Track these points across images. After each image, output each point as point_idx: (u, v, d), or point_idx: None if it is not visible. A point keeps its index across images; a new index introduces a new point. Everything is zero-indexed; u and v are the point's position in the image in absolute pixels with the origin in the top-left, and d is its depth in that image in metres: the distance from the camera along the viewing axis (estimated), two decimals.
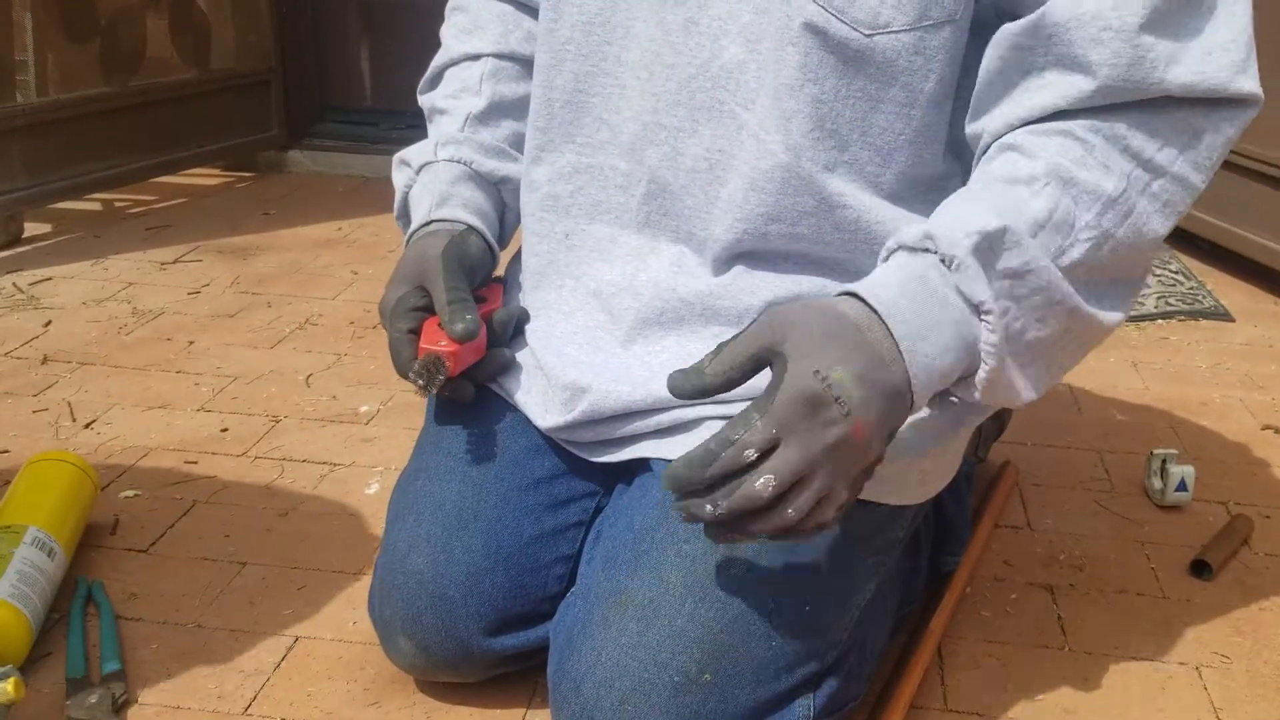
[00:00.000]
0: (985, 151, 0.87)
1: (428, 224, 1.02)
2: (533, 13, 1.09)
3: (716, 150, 0.91)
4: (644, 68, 0.93)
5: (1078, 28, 0.81)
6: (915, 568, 1.09)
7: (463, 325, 0.92)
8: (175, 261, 2.16)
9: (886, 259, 0.82)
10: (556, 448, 1.00)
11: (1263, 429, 1.55)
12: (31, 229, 2.27)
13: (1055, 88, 0.83)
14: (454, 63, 1.11)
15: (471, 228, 1.02)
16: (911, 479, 0.92)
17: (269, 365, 1.70)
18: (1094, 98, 0.82)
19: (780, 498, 0.75)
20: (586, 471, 0.99)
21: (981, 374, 0.81)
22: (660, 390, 0.91)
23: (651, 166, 0.94)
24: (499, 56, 1.09)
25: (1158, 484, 1.34)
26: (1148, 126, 0.82)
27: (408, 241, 1.03)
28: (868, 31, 0.85)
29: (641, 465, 0.95)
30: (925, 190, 0.92)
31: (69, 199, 2.38)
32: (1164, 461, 1.34)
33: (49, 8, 2.23)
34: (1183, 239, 2.28)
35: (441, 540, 0.95)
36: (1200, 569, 1.20)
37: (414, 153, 1.07)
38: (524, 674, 1.00)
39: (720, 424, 0.88)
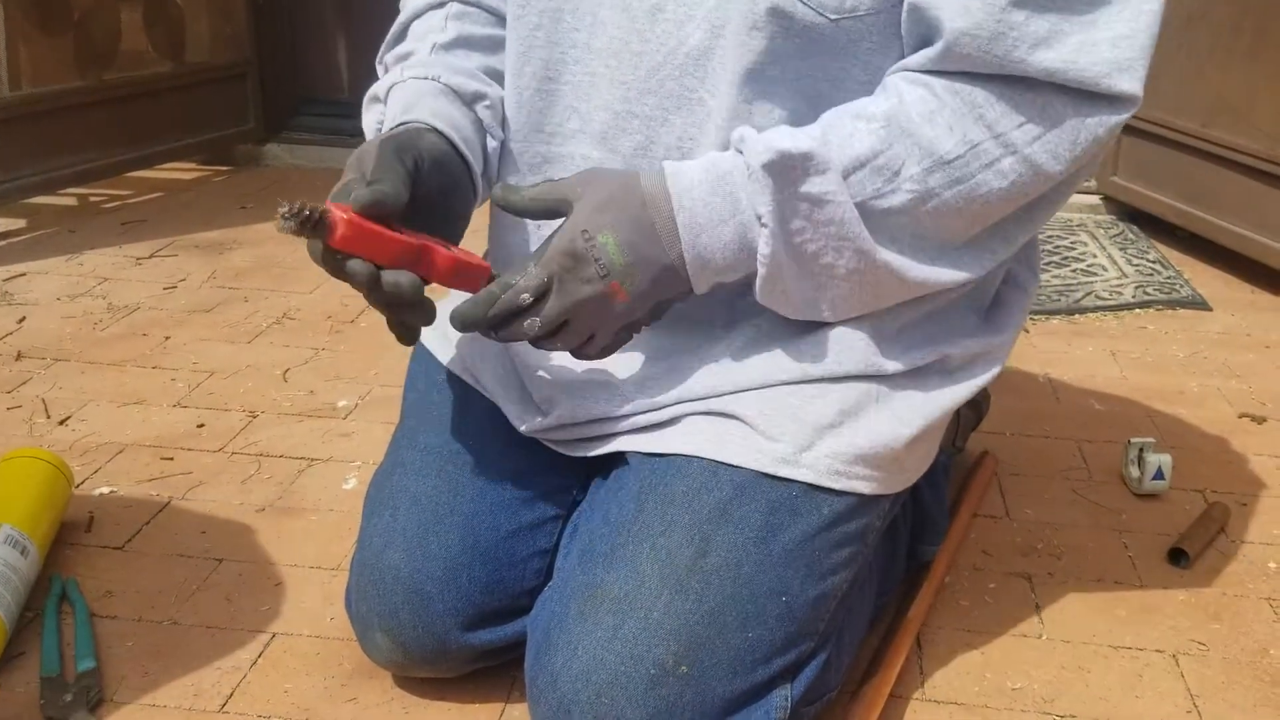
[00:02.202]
0: None
1: (394, 129, 0.90)
2: None
3: (688, 139, 0.90)
4: (612, 55, 0.91)
5: None
6: (893, 557, 1.09)
7: (368, 191, 0.78)
8: (151, 256, 2.14)
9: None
10: (533, 442, 0.99)
11: (1239, 417, 1.55)
12: (5, 224, 2.26)
13: (918, 55, 0.85)
14: (417, 15, 1.03)
15: (432, 128, 0.90)
16: (888, 468, 0.92)
17: (245, 360, 1.69)
18: (943, 64, 0.83)
19: (549, 335, 0.86)
20: (563, 466, 0.98)
21: (758, 278, 0.86)
22: (634, 393, 0.91)
23: (625, 156, 0.92)
24: (463, 2, 1.02)
25: (1135, 472, 1.34)
26: (1009, 100, 0.83)
27: None
28: (834, 16, 0.84)
29: (618, 459, 0.94)
30: None
31: (43, 194, 2.36)
32: (1141, 450, 1.34)
33: (21, 1, 2.21)
34: (1160, 228, 2.29)
35: (418, 535, 0.95)
36: (1177, 557, 1.21)
37: (381, 85, 0.97)
38: (502, 668, 1.00)
39: (698, 419, 0.91)
